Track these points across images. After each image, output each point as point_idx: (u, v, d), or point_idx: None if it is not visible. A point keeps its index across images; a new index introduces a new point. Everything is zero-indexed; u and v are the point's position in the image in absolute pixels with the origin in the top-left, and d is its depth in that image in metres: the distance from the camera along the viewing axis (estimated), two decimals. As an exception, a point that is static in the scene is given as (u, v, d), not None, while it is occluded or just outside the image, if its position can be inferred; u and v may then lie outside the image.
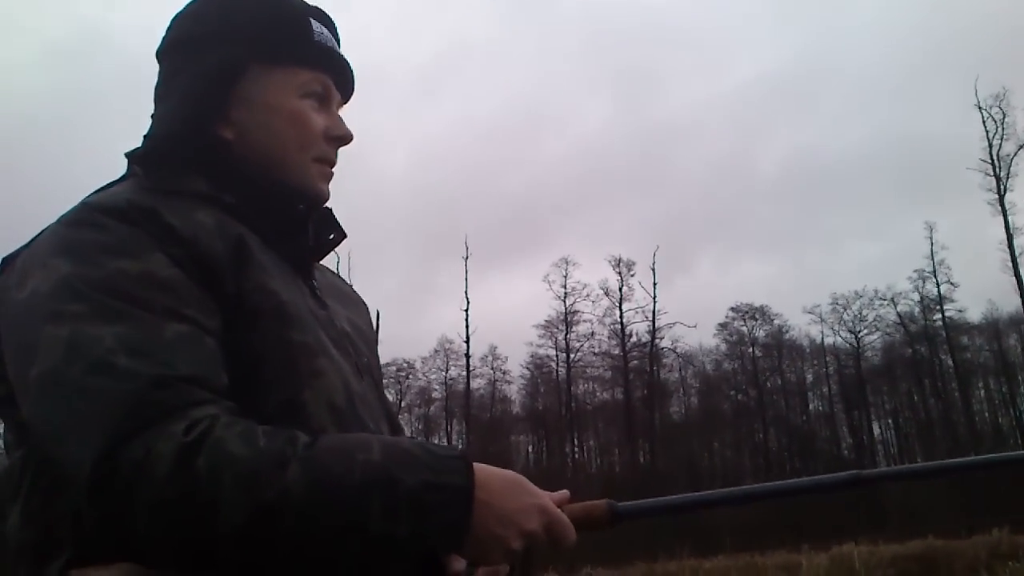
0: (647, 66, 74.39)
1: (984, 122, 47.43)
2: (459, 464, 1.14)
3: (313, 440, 1.10)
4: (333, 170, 1.48)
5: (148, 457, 1.02)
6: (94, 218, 1.21)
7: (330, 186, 1.48)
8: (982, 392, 56.15)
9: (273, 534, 1.04)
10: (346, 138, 1.48)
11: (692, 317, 54.15)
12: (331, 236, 1.51)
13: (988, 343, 54.38)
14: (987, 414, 54.76)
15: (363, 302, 1.68)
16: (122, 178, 1.37)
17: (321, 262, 1.55)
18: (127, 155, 1.40)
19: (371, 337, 1.60)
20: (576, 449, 57.15)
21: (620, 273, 53.72)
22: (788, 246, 73.21)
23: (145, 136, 1.41)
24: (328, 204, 1.48)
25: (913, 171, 65.45)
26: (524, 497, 1.18)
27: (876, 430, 56.31)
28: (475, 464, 1.15)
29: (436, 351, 55.41)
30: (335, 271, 1.66)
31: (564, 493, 1.28)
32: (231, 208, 1.32)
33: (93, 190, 1.34)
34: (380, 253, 69.36)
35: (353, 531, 1.06)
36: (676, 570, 10.25)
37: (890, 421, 56.89)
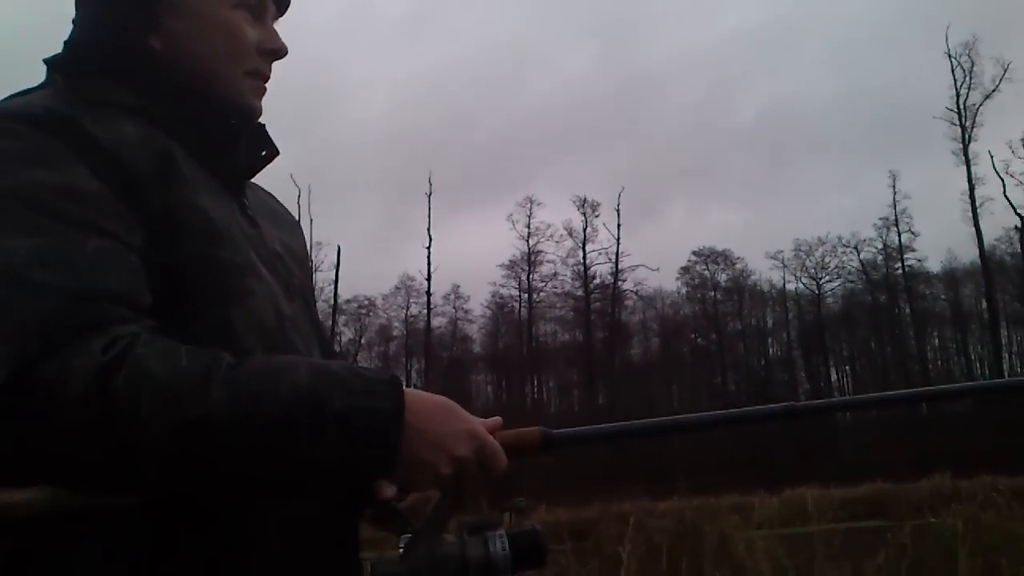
0: (632, 14, 74.18)
1: (953, 70, 47.88)
2: (389, 388, 1.11)
3: (238, 360, 1.07)
4: (266, 85, 1.42)
5: (63, 376, 0.98)
6: (9, 126, 1.15)
7: (263, 101, 1.42)
8: (937, 340, 57.22)
9: (195, 456, 1.01)
10: (280, 52, 1.41)
11: (658, 262, 54.57)
12: (263, 153, 1.44)
13: (945, 292, 55.28)
14: (940, 362, 55.87)
15: (297, 223, 1.63)
16: (40, 86, 1.29)
17: (255, 180, 1.49)
18: (46, 62, 1.32)
19: (304, 259, 1.55)
20: (536, 389, 57.73)
21: (585, 214, 53.97)
22: (757, 195, 73.83)
23: (65, 42, 1.33)
24: (261, 119, 1.42)
25: (883, 123, 66.16)
26: (455, 422, 1.17)
27: (833, 376, 57.43)
28: (406, 388, 1.12)
29: (397, 288, 55.49)
30: (268, 191, 1.60)
31: (496, 420, 1.26)
32: (158, 120, 1.26)
33: (3, 96, 1.26)
34: (353, 191, 69.46)
35: (279, 454, 1.04)
36: (631, 510, 10.39)
37: (847, 367, 58.01)
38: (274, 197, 1.60)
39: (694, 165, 72.54)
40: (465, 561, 1.18)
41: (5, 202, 1.09)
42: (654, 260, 55.45)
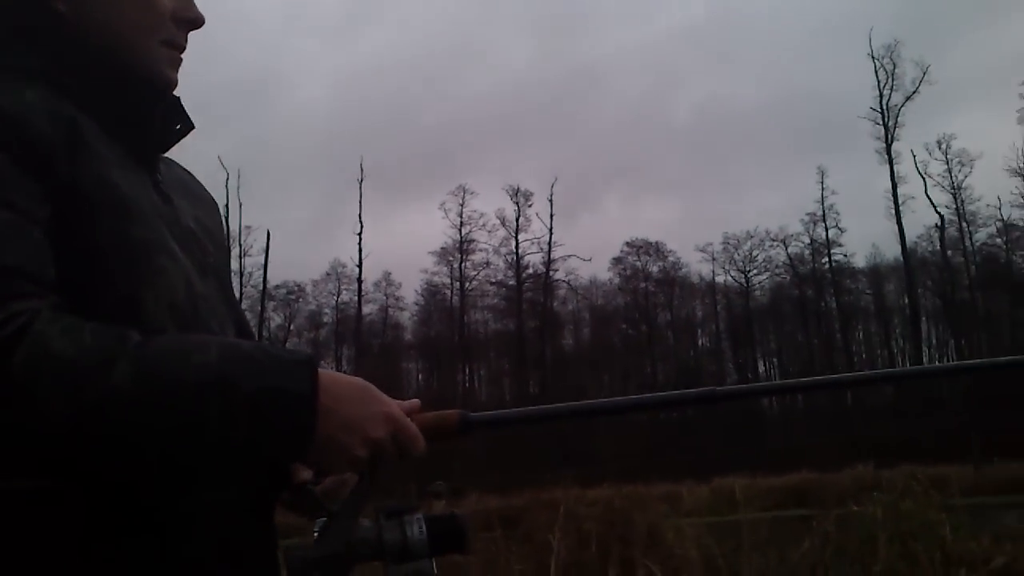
0: (573, 10, 75.04)
1: (876, 72, 48.94)
2: (302, 369, 1.08)
3: (146, 339, 1.02)
4: (182, 56, 1.35)
5: None
6: None
7: (178, 73, 1.35)
8: (860, 334, 58.47)
9: (98, 437, 0.98)
10: (197, 21, 1.35)
11: (591, 253, 55.07)
12: (178, 127, 1.37)
13: (870, 287, 56.50)
14: (864, 354, 57.06)
15: (213, 200, 1.57)
16: None
17: (168, 155, 1.43)
18: None
19: (220, 237, 1.50)
20: (467, 377, 57.80)
21: (517, 203, 54.16)
22: (690, 191, 75.54)
23: None
24: (176, 92, 1.35)
25: (812, 122, 67.94)
26: (370, 404, 1.14)
27: (760, 367, 58.42)
28: (320, 370, 1.09)
29: (328, 274, 55.07)
30: (184, 167, 1.54)
31: (414, 402, 1.24)
32: (64, 88, 1.19)
33: None
34: (290, 177, 68.87)
35: (188, 436, 1.01)
36: (561, 497, 10.46)
37: (774, 359, 59.01)
38: (190, 174, 1.54)
39: (629, 160, 73.74)
40: (381, 545, 1.17)
41: None
42: (588, 249, 56.10)
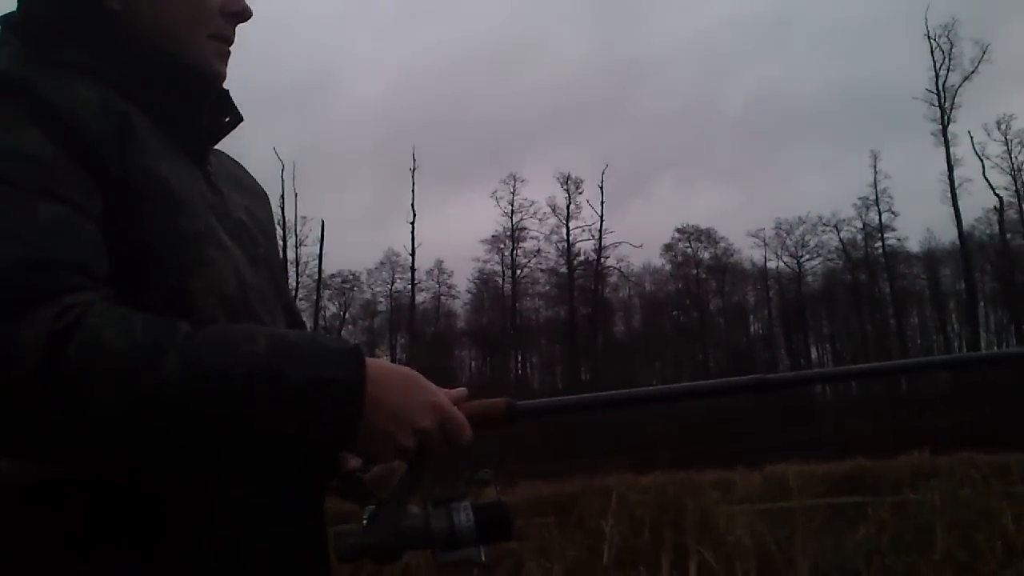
0: (627, 1, 74.50)
1: (932, 52, 47.96)
2: (350, 358, 1.09)
3: (194, 330, 1.03)
4: (230, 49, 1.37)
5: (13, 346, 0.95)
6: None
7: (227, 66, 1.37)
8: (915, 320, 57.43)
9: (148, 429, 0.99)
10: (244, 14, 1.36)
11: (643, 240, 54.73)
12: (227, 119, 1.39)
13: (925, 272, 55.46)
14: (919, 340, 56.06)
15: (263, 192, 1.59)
16: None
17: (221, 147, 1.45)
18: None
19: (270, 228, 1.52)
20: (519, 365, 57.70)
21: (568, 191, 53.85)
22: (742, 178, 74.71)
23: (19, 0, 1.28)
24: (225, 85, 1.38)
25: (867, 107, 67.29)
26: (417, 393, 1.15)
27: (813, 353, 57.62)
28: (368, 359, 1.10)
29: (382, 263, 55.28)
30: (234, 159, 1.56)
31: (461, 391, 1.24)
32: (116, 84, 1.22)
33: None
34: (345, 168, 69.61)
35: (235, 427, 1.02)
36: (613, 483, 10.41)
37: (827, 345, 58.15)
38: (241, 165, 1.56)
39: (681, 148, 73.66)
40: (429, 532, 1.18)
41: None
42: (639, 237, 55.71)
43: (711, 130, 73.66)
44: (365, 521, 1.22)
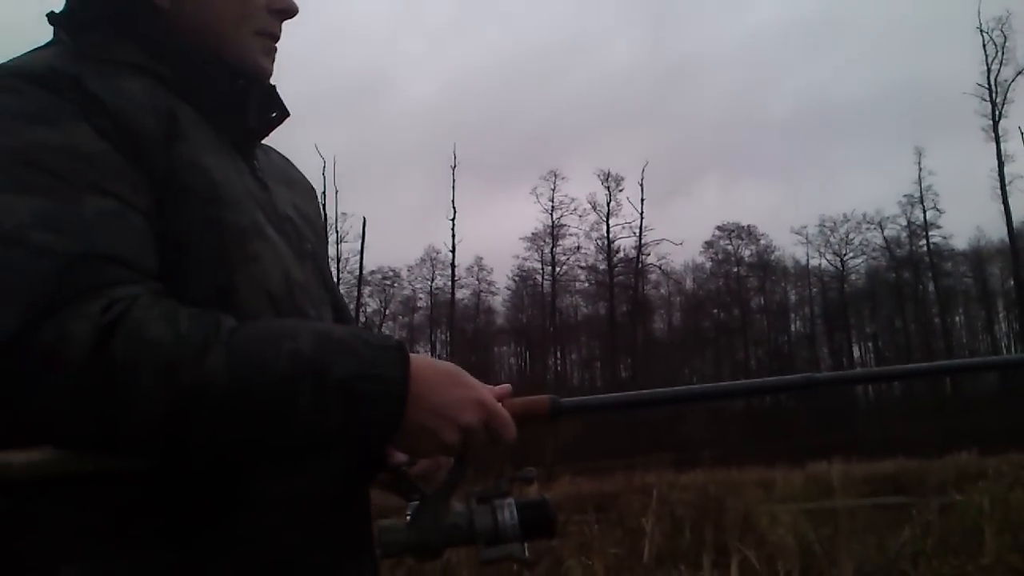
0: (676, 2, 75.15)
1: (984, 46, 47.24)
2: (394, 354, 1.09)
3: (239, 326, 1.04)
4: (276, 45, 1.38)
5: (61, 339, 0.95)
6: (11, 83, 1.11)
7: (274, 63, 1.37)
8: (961, 319, 56.74)
9: (193, 422, 0.99)
10: (290, 11, 1.37)
11: (684, 238, 54.70)
12: (274, 115, 1.38)
13: (972, 270, 54.74)
14: (965, 339, 55.41)
15: (311, 186, 1.59)
16: (46, 44, 1.25)
17: (266, 142, 1.45)
18: (49, 17, 1.27)
19: (318, 223, 1.51)
20: (558, 362, 57.68)
21: (608, 188, 53.81)
22: (786, 178, 75.16)
23: None
24: (272, 80, 1.38)
25: (915, 104, 66.56)
26: (461, 390, 1.14)
27: (856, 353, 57.19)
28: (412, 355, 1.10)
29: (422, 260, 55.55)
30: (283, 154, 1.56)
31: (506, 387, 1.23)
32: (164, 79, 1.22)
33: (12, 56, 1.22)
34: (392, 167, 70.39)
35: (280, 421, 1.02)
36: (654, 482, 10.42)
37: (870, 344, 57.65)
38: (289, 161, 1.56)
39: (725, 147, 73.26)
40: (473, 529, 1.18)
41: (5, 161, 1.05)
42: (680, 236, 55.50)
43: (756, 130, 73.70)
44: (408, 517, 1.22)
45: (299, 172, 1.57)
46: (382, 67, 77.56)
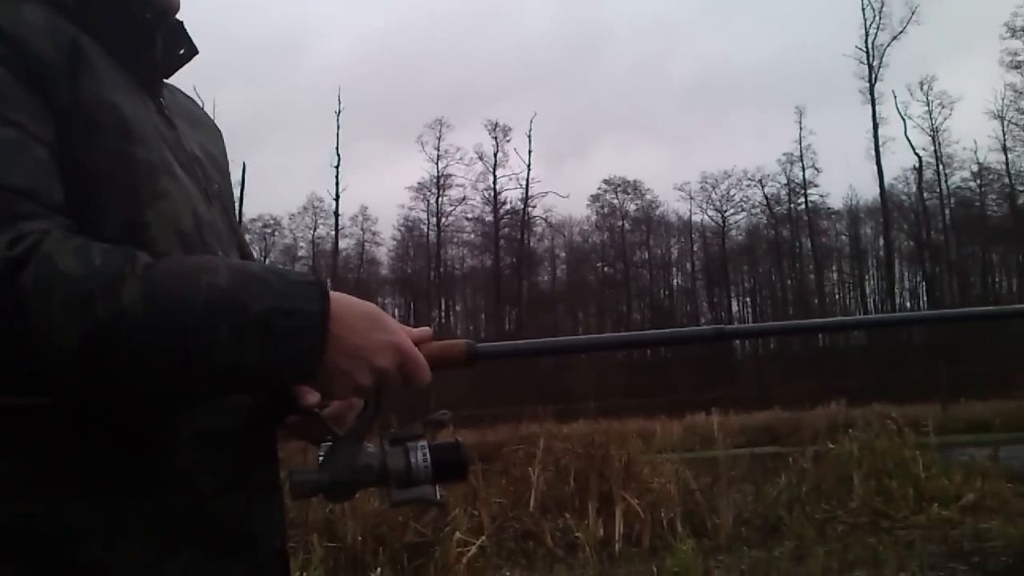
0: None
1: (863, 9, 48.63)
2: (312, 290, 1.07)
3: (154, 260, 1.01)
4: None
5: None
6: None
7: None
8: (835, 275, 58.92)
9: (108, 358, 0.96)
10: None
11: (573, 193, 55.55)
12: (181, 51, 1.36)
13: (847, 228, 56.82)
14: (837, 295, 57.57)
15: (217, 128, 1.56)
16: None
17: (172, 81, 1.42)
18: None
19: (223, 163, 1.49)
20: (443, 314, 57.83)
21: (496, 138, 53.75)
22: (678, 141, 77.38)
23: None
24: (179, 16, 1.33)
25: (803, 70, 70.52)
26: (379, 333, 1.13)
27: (735, 307, 58.82)
28: (332, 292, 1.08)
29: (304, 208, 54.75)
30: (188, 94, 1.53)
31: (426, 330, 1.22)
32: (65, 9, 1.16)
33: None
34: (305, 124, 69.22)
35: (197, 356, 0.99)
36: (539, 432, 10.57)
37: (748, 299, 59.43)
38: (194, 101, 1.53)
39: (623, 110, 75.56)
40: (385, 470, 1.18)
41: None
42: (569, 192, 56.23)
43: (655, 97, 76.03)
44: (320, 458, 1.21)
45: (205, 113, 1.55)
46: (300, 27, 76.91)
